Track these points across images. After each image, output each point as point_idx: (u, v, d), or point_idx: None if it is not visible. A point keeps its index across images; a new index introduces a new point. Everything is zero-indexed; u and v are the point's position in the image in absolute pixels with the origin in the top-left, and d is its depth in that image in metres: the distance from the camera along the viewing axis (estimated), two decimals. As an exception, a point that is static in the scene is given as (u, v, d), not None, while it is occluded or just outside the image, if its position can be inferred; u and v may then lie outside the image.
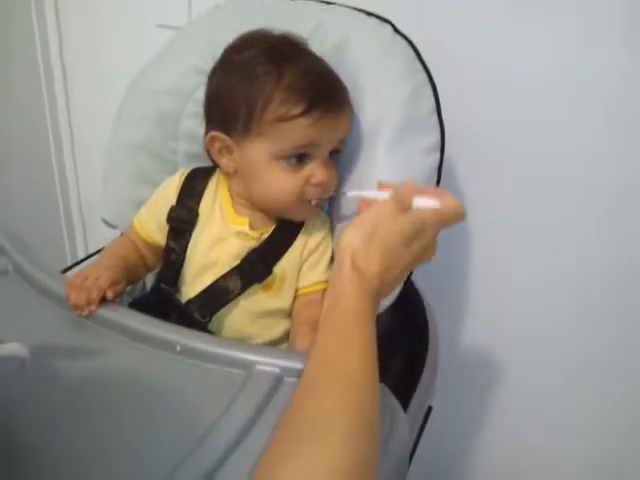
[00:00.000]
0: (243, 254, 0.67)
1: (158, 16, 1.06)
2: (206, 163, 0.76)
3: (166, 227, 0.71)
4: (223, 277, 0.67)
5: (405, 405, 0.70)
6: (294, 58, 0.63)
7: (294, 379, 0.52)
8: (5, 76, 1.16)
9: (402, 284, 0.69)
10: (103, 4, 1.14)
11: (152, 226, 0.72)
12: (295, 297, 0.71)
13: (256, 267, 0.67)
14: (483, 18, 0.82)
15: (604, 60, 0.76)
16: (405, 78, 0.68)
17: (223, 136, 0.65)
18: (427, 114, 0.69)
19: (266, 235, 0.69)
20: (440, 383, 0.78)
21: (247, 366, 0.53)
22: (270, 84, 0.61)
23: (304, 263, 0.70)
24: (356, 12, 0.74)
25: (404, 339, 0.78)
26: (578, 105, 0.79)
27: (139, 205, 0.76)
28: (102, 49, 1.18)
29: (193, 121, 0.77)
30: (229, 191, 0.71)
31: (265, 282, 0.68)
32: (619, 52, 0.75)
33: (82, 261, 0.82)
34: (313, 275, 0.70)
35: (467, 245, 0.95)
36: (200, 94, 0.74)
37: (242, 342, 0.60)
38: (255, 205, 0.69)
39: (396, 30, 0.71)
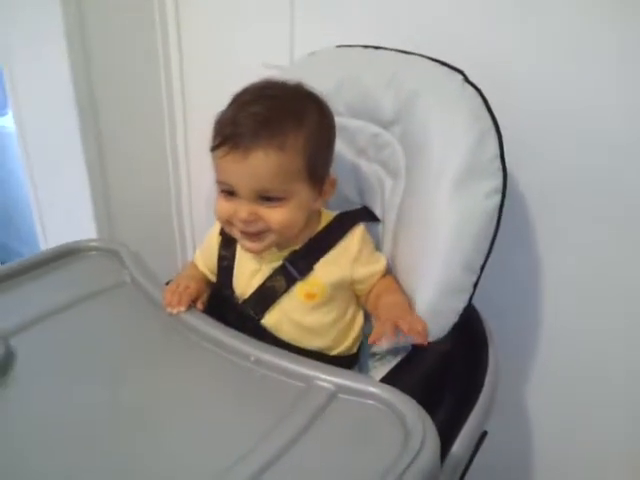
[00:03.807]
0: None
1: (263, 56, 1.18)
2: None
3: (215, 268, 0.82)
4: (269, 278, 0.76)
5: (459, 429, 0.75)
6: (247, 99, 0.70)
7: (347, 396, 0.60)
8: (132, 101, 1.33)
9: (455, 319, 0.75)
10: (219, 45, 1.29)
11: (207, 266, 0.84)
12: (366, 297, 0.78)
13: (297, 264, 0.75)
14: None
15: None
16: (471, 124, 0.73)
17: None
18: (491, 158, 0.73)
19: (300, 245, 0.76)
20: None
21: (307, 380, 0.62)
22: (218, 117, 0.71)
23: (355, 277, 0.76)
24: (430, 62, 0.80)
25: (463, 362, 0.83)
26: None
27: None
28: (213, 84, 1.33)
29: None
30: None
31: (307, 285, 0.75)
32: None
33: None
34: (372, 268, 0.77)
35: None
36: None
37: (304, 359, 0.68)
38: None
39: (466, 79, 0.77)
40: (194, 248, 1.58)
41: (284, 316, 0.77)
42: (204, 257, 0.84)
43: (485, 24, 0.88)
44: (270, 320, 0.77)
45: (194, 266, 0.85)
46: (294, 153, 0.68)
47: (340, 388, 0.61)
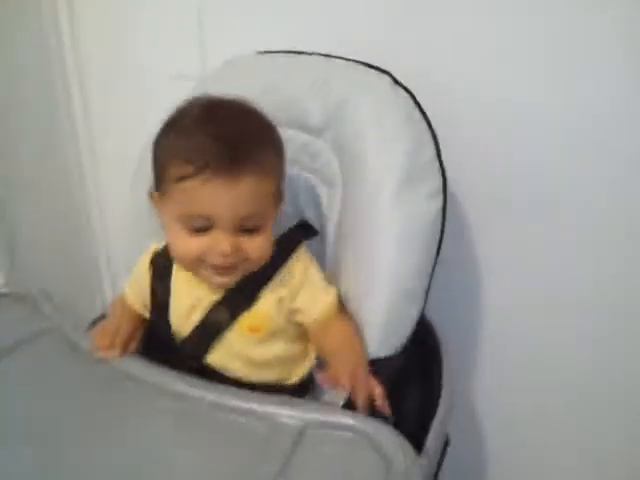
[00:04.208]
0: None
1: (171, 67, 1.10)
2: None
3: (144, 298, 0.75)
4: (211, 311, 0.70)
5: (422, 440, 0.73)
6: (210, 122, 0.64)
7: (317, 431, 0.56)
8: (27, 129, 1.21)
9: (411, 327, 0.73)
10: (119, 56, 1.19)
11: (141, 303, 0.76)
12: (310, 330, 0.72)
13: (240, 294, 0.69)
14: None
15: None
16: (406, 127, 0.71)
17: (154, 193, 0.69)
18: (429, 160, 0.72)
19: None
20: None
21: (270, 418, 0.57)
22: (177, 144, 0.64)
23: (296, 305, 0.71)
24: (357, 65, 0.77)
25: (418, 372, 0.81)
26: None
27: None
28: (119, 98, 1.23)
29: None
30: None
31: (251, 318, 0.69)
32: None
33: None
34: (319, 305, 0.71)
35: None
36: None
37: (262, 395, 0.63)
38: None
39: (395, 81, 0.75)
40: (112, 285, 1.46)
41: (230, 352, 0.71)
42: (134, 292, 0.76)
43: (408, 25, 0.87)
44: (215, 357, 0.71)
45: (122, 302, 0.77)
46: (272, 176, 0.66)
47: (308, 423, 0.57)
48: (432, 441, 0.71)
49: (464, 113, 0.86)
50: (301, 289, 0.71)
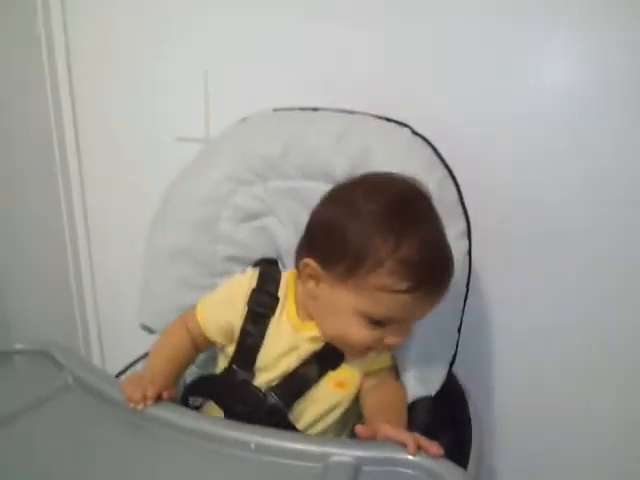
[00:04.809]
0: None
1: (176, 129, 1.13)
2: (245, 265, 0.81)
3: (235, 328, 0.71)
4: (303, 364, 0.68)
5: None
6: (414, 225, 0.63)
7: (371, 467, 0.54)
8: (22, 189, 1.19)
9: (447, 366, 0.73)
10: (121, 119, 1.21)
11: (215, 328, 0.73)
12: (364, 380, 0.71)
13: (331, 353, 0.69)
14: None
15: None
16: (428, 173, 0.75)
17: (318, 268, 0.65)
18: (453, 204, 0.75)
19: None
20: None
21: (323, 458, 0.55)
22: (385, 251, 0.61)
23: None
24: (376, 118, 0.82)
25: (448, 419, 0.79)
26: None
27: (182, 309, 0.78)
28: (119, 163, 1.25)
29: (230, 225, 0.82)
30: (295, 295, 0.72)
31: (339, 375, 0.69)
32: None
33: (137, 361, 0.83)
34: (380, 362, 0.72)
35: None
36: (235, 200, 0.81)
37: (315, 436, 0.62)
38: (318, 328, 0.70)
39: (414, 132, 0.79)
40: (100, 347, 1.41)
41: (308, 405, 0.68)
42: (222, 312, 0.72)
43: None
44: (295, 411, 0.68)
45: (173, 339, 0.74)
46: None
47: (362, 460, 0.54)
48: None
49: (463, 149, 0.89)
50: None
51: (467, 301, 0.75)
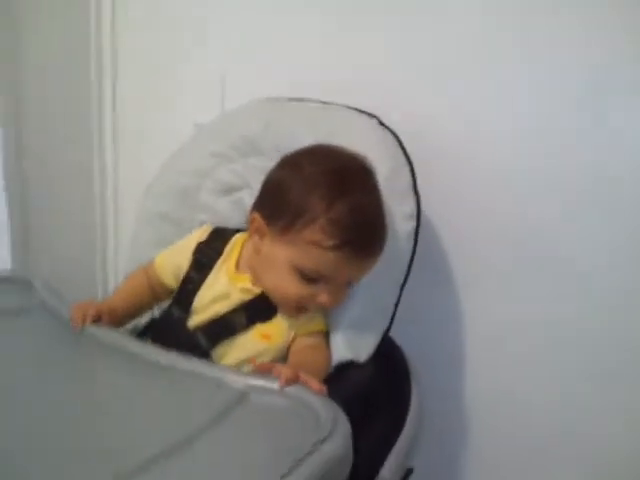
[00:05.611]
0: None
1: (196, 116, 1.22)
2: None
3: (182, 272, 0.79)
4: (232, 311, 0.74)
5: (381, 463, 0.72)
6: (349, 191, 0.68)
7: (258, 395, 0.58)
8: (61, 147, 1.32)
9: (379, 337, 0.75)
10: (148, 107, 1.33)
11: (168, 271, 0.80)
12: (293, 339, 0.75)
13: (262, 306, 0.74)
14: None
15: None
16: (385, 158, 0.79)
17: (263, 222, 0.72)
18: (405, 187, 0.79)
19: None
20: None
21: (218, 381, 0.60)
22: (319, 209, 0.67)
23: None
24: (349, 109, 0.88)
25: (385, 398, 0.81)
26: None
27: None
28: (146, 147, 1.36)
29: (210, 196, 0.90)
30: (241, 249, 0.79)
31: (267, 328, 0.74)
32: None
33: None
34: (312, 325, 0.76)
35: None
36: (217, 174, 0.90)
37: (216, 364, 0.68)
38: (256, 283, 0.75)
39: (381, 123, 0.84)
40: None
41: (232, 350, 0.74)
42: (165, 266, 0.81)
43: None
44: (218, 352, 0.74)
45: (133, 281, 0.82)
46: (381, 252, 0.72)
47: (251, 388, 0.59)
48: (387, 472, 0.71)
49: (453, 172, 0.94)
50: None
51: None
